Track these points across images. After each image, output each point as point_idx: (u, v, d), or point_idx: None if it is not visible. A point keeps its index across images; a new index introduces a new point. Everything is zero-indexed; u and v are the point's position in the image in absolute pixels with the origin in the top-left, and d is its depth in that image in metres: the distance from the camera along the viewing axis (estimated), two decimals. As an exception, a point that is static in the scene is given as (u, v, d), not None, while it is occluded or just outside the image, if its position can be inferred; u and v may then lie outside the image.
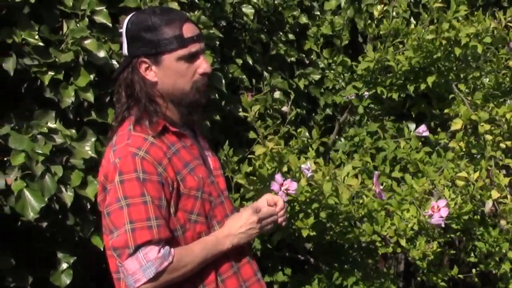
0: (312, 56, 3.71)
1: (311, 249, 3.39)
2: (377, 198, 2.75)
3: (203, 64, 1.92)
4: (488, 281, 3.84)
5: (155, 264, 1.79)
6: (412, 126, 3.65)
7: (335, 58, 3.48)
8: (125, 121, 1.94)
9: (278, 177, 2.44)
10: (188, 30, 1.89)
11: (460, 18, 3.17)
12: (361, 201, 2.80)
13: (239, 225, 1.98)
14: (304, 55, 3.88)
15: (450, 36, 3.15)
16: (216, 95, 3.17)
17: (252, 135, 2.82)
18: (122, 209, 1.79)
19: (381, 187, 2.65)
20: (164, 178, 1.84)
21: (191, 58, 1.90)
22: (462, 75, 3.41)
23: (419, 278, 3.23)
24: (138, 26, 1.88)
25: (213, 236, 1.94)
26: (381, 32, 3.33)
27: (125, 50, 1.93)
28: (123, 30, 1.92)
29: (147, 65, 1.90)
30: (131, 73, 1.92)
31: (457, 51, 3.16)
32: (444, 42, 3.16)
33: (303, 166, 2.68)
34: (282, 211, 2.13)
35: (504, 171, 3.11)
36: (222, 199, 2.02)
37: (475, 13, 3.15)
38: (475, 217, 3.08)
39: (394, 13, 3.47)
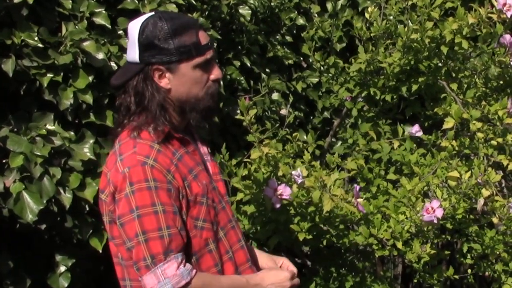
0: (310, 59, 3.70)
1: (309, 252, 3.38)
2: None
3: (215, 71, 1.91)
4: (485, 282, 3.87)
5: (173, 282, 1.78)
6: (409, 129, 3.65)
7: (327, 61, 3.47)
8: (127, 127, 1.90)
9: (272, 182, 2.42)
10: (203, 37, 1.88)
11: (437, 13, 3.14)
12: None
13: (272, 280, 1.99)
14: (301, 58, 3.88)
15: (435, 34, 3.14)
16: (214, 97, 3.17)
17: (250, 137, 2.82)
18: (134, 220, 1.78)
19: (361, 200, 2.65)
20: (174, 186, 1.83)
21: (207, 65, 1.89)
22: (453, 74, 3.40)
23: (415, 280, 3.24)
24: (153, 34, 1.83)
25: (244, 279, 1.96)
26: (372, 34, 3.33)
27: (134, 57, 1.87)
28: (135, 36, 1.85)
29: (160, 72, 1.86)
30: (142, 81, 1.87)
31: (444, 49, 3.16)
32: (428, 41, 3.15)
33: (293, 172, 2.67)
34: None
35: (500, 171, 3.12)
36: (223, 204, 1.99)
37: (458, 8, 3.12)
38: (470, 216, 3.09)
39: (390, 16, 3.46)
